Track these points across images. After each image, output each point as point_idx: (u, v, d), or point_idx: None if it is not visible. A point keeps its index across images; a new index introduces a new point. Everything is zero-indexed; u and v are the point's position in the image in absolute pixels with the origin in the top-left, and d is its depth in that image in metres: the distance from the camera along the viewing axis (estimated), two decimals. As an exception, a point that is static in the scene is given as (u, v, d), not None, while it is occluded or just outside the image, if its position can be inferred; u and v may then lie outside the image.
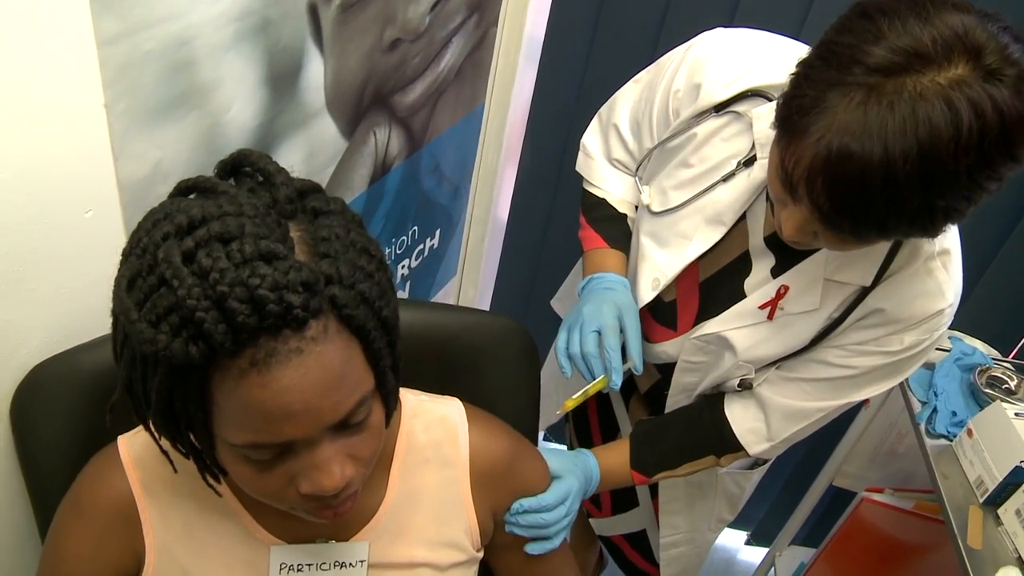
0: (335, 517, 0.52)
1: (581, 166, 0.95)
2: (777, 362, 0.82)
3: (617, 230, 0.92)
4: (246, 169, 0.46)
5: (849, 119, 0.50)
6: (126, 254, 0.43)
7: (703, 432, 0.89)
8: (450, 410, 0.68)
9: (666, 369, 0.94)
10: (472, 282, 1.58)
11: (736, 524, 1.87)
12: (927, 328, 0.71)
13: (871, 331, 0.75)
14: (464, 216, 1.44)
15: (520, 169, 1.48)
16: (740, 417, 0.86)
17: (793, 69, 0.57)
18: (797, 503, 1.54)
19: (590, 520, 1.23)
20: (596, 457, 0.88)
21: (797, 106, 0.54)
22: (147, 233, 0.42)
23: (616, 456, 0.90)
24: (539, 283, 1.63)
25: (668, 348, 0.91)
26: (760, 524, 1.85)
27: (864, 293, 0.74)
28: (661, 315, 0.91)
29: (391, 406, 0.53)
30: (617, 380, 0.79)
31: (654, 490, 1.09)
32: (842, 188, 0.53)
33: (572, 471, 0.80)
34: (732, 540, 1.89)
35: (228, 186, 0.45)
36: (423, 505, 0.65)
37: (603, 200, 0.93)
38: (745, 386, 0.84)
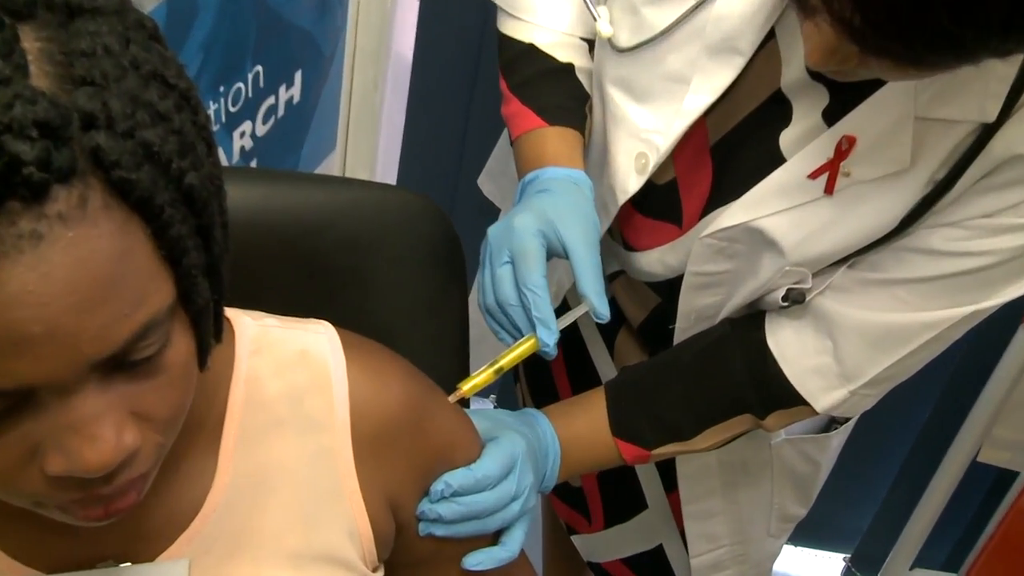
0: (109, 517, 0.50)
1: None
2: (849, 258, 0.81)
3: (559, 93, 0.91)
4: None
5: None
6: None
7: (731, 376, 0.87)
8: (316, 342, 0.67)
9: (668, 288, 0.93)
10: (362, 158, 1.55)
11: (830, 543, 1.86)
12: None
13: (1005, 193, 0.72)
14: (341, 48, 1.38)
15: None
16: (793, 349, 0.84)
17: None
18: (916, 501, 1.47)
19: (574, 540, 1.23)
20: (550, 418, 0.88)
21: None
22: None
23: (585, 416, 0.90)
24: (470, 159, 1.63)
25: (668, 256, 0.91)
26: (865, 541, 1.79)
27: (987, 134, 0.71)
28: (654, 206, 0.90)
29: (208, 335, 0.52)
30: (549, 339, 0.79)
31: (670, 480, 1.07)
32: None
33: (513, 427, 0.80)
34: (824, 567, 1.87)
35: None
36: (278, 496, 0.64)
37: (531, 47, 0.91)
38: (795, 299, 0.83)
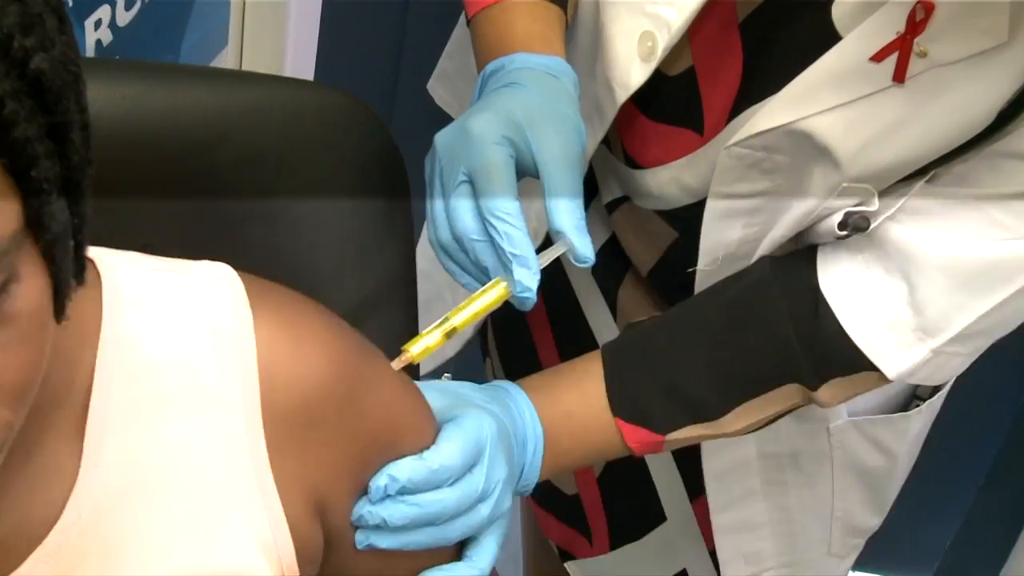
0: None
1: None
2: (928, 169, 0.82)
3: None
4: None
5: None
6: None
7: (771, 333, 0.88)
8: (212, 290, 0.68)
9: (686, 219, 0.95)
10: (264, 57, 1.56)
11: (904, 567, 1.89)
12: None
13: None
14: None
15: None
16: (854, 294, 0.86)
17: None
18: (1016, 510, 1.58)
19: (569, 567, 1.25)
20: (528, 393, 0.89)
21: None
22: None
23: (575, 390, 0.91)
24: (412, 55, 1.66)
25: (685, 174, 0.93)
26: (949, 564, 1.88)
27: None
28: (665, 106, 0.91)
29: (66, 274, 0.53)
30: (528, 281, 0.79)
31: (694, 481, 1.09)
32: None
33: (479, 404, 0.82)
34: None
35: None
36: (164, 496, 0.64)
37: None
38: (857, 227, 0.84)
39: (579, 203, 0.81)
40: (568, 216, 0.80)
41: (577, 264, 0.81)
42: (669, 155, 0.92)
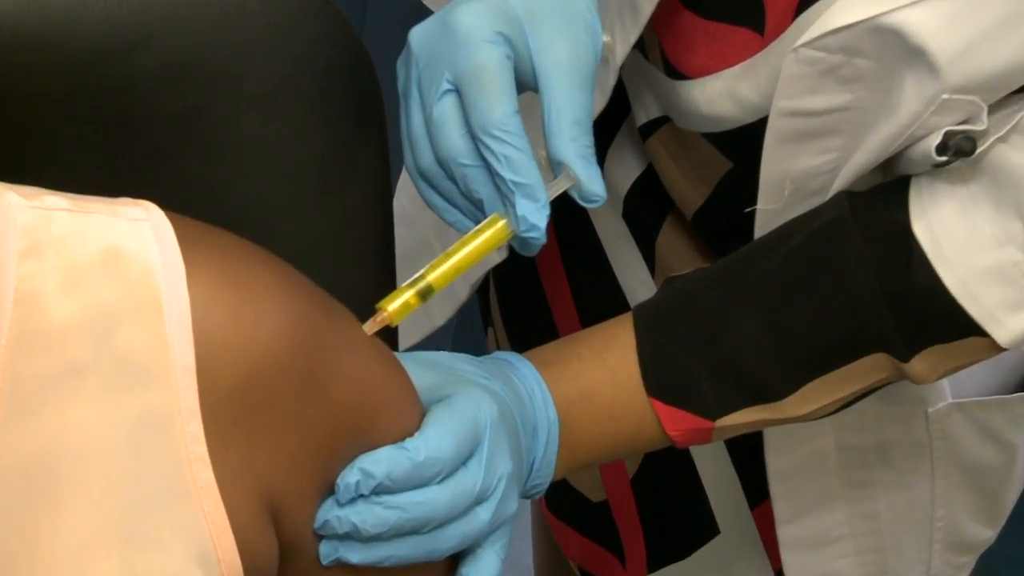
0: None
1: None
2: None
3: None
4: None
5: None
6: None
7: (850, 289, 0.89)
8: (134, 235, 0.68)
9: (743, 143, 0.96)
10: None
11: None
12: None
13: None
14: None
15: None
16: (956, 237, 0.86)
17: None
18: None
19: None
20: (539, 367, 0.91)
21: None
22: None
23: (598, 363, 0.92)
24: None
25: (742, 85, 0.94)
26: None
27: None
28: (713, 3, 0.91)
29: None
30: (535, 217, 0.81)
31: (754, 482, 1.12)
32: None
33: (475, 380, 0.83)
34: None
35: None
36: (74, 495, 0.65)
37: None
38: (960, 151, 0.85)
39: (586, 125, 0.82)
40: (571, 143, 0.81)
41: (583, 203, 0.82)
42: (721, 61, 0.94)
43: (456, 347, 1.84)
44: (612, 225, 1.12)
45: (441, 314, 1.23)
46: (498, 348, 1.28)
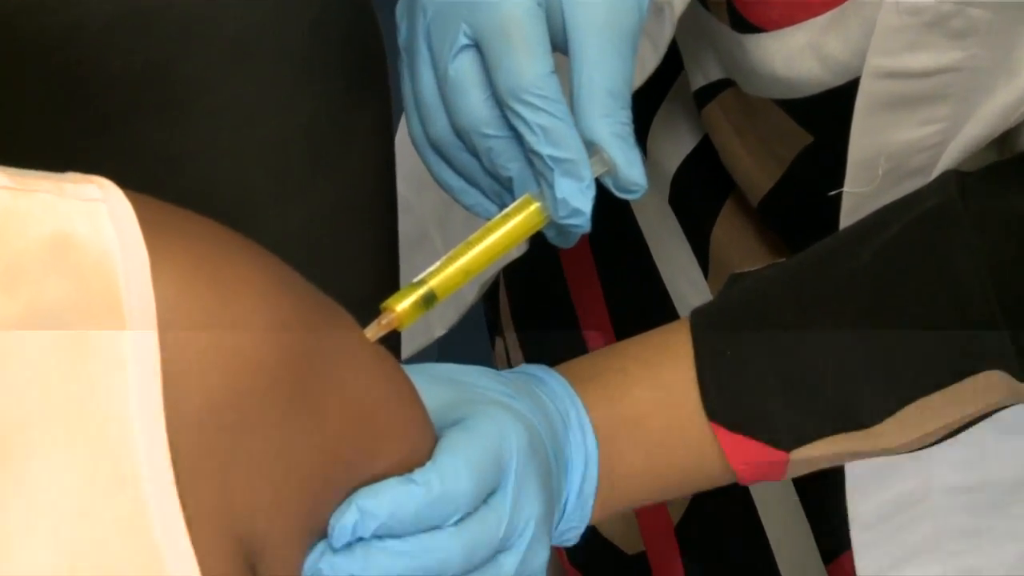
0: None
1: None
2: None
3: None
4: None
5: None
6: None
7: (958, 290, 0.89)
8: (88, 218, 0.68)
9: (826, 112, 0.99)
10: None
11: None
12: None
13: None
14: None
15: None
16: None
17: None
18: None
19: None
20: (573, 383, 0.90)
21: None
22: None
23: (647, 378, 0.92)
24: None
25: (828, 39, 0.96)
26: None
27: None
28: None
29: None
30: (578, 201, 0.82)
31: (832, 534, 1.14)
32: None
33: (498, 400, 0.83)
34: None
35: None
36: (20, 535, 0.64)
37: None
38: None
39: (624, 98, 0.84)
40: (605, 119, 0.82)
41: (619, 193, 0.84)
42: (803, 10, 0.96)
43: (455, 361, 1.85)
44: (656, 212, 1.14)
45: (442, 322, 1.23)
46: (508, 363, 1.27)
